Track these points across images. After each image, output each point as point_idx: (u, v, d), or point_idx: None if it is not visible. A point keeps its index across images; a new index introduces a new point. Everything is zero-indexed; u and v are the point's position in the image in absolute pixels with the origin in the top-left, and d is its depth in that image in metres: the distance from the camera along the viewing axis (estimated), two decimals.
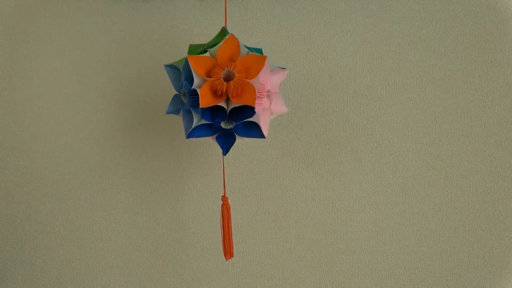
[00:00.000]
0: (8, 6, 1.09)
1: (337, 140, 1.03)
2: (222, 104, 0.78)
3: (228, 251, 0.90)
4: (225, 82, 0.77)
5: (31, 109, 1.09)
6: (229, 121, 0.80)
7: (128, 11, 1.07)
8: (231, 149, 0.90)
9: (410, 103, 1.02)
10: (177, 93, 0.83)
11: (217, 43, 0.81)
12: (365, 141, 1.03)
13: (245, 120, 0.79)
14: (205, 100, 0.77)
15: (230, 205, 0.92)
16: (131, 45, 1.07)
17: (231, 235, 0.90)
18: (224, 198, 0.90)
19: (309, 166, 1.04)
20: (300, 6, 1.04)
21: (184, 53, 1.00)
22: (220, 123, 0.80)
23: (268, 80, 0.81)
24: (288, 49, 1.04)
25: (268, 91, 0.80)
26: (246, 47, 0.82)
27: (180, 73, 0.82)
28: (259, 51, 0.85)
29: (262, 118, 0.80)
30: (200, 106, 0.76)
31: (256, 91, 0.77)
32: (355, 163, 1.03)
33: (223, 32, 0.84)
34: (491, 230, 1.01)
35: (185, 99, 0.80)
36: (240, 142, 1.03)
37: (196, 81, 0.78)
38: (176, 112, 0.84)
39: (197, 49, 0.84)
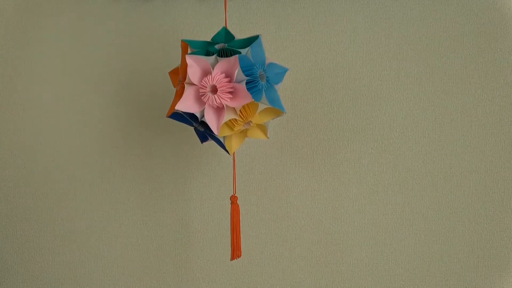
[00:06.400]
0: (8, 6, 1.09)
1: (337, 140, 1.03)
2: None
3: (235, 252, 0.90)
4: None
5: (31, 109, 1.09)
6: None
7: (128, 11, 1.07)
8: None
9: (410, 103, 1.02)
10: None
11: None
12: (365, 141, 1.03)
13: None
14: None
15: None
16: (131, 45, 1.07)
17: (239, 235, 0.90)
18: (233, 198, 0.90)
19: (309, 166, 1.04)
20: (300, 6, 1.04)
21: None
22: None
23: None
24: (288, 49, 1.04)
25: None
26: (242, 39, 0.83)
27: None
28: (254, 38, 0.84)
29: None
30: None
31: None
32: (355, 163, 1.03)
33: (228, 32, 0.85)
34: (491, 230, 1.01)
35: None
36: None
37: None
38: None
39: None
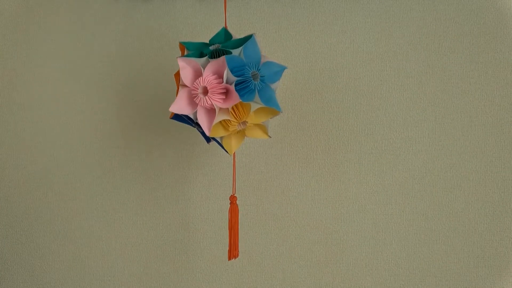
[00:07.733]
0: (8, 6, 1.09)
1: (337, 140, 1.03)
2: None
3: (232, 252, 0.90)
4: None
5: (31, 109, 1.09)
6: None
7: (128, 11, 1.07)
8: None
9: (410, 103, 1.02)
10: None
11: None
12: (365, 141, 1.03)
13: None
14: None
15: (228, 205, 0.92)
16: (131, 45, 1.07)
17: (238, 235, 0.90)
18: (232, 198, 0.90)
19: (309, 166, 1.04)
20: (300, 6, 1.04)
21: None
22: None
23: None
24: (288, 49, 1.04)
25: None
26: (237, 39, 0.83)
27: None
28: (247, 38, 0.84)
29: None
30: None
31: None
32: (355, 163, 1.03)
33: (227, 32, 0.84)
34: (491, 230, 1.01)
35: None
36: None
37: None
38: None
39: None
